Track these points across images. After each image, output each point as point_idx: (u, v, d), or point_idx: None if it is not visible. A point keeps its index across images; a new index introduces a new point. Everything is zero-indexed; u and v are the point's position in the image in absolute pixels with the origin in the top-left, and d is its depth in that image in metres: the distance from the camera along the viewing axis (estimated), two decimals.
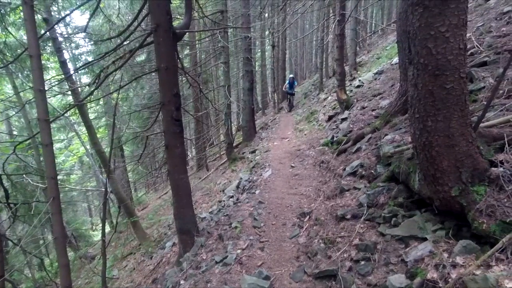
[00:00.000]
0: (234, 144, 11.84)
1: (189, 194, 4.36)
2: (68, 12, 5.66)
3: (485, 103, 3.34)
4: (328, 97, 10.37)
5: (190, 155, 18.78)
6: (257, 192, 5.11)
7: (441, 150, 1.81)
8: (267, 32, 18.76)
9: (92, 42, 6.98)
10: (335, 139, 5.66)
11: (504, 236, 1.55)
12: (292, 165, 5.92)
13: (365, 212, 2.87)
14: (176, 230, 4.44)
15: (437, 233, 2.07)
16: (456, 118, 1.74)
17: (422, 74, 1.74)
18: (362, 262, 2.38)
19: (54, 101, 9.98)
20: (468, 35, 6.16)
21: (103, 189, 10.98)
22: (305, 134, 7.89)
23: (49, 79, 4.43)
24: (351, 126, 5.53)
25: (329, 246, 2.85)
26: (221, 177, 9.54)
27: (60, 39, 6.15)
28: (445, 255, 1.81)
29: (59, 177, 14.01)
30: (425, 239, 2.10)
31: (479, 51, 4.86)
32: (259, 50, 22.51)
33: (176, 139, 4.11)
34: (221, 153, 13.92)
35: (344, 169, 4.19)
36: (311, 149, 6.41)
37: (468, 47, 5.37)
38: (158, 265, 5.40)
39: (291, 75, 14.62)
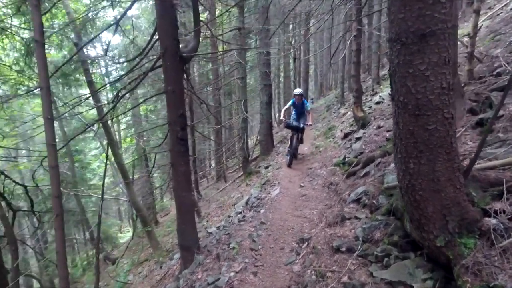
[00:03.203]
0: (253, 157, 11.91)
1: (191, 211, 4.45)
2: (93, 36, 6.16)
3: (501, 134, 3.08)
4: (347, 112, 10.10)
5: (210, 166, 19.10)
6: (261, 211, 5.07)
7: (425, 195, 1.69)
8: (293, 41, 18.79)
9: (112, 63, 7.56)
10: (346, 159, 5.48)
11: None
12: (302, 184, 5.81)
13: (359, 247, 2.74)
14: (178, 245, 4.53)
15: (425, 283, 1.91)
16: (441, 161, 1.62)
17: (403, 113, 1.66)
18: None
19: (87, 114, 10.78)
20: (497, 51, 5.75)
21: (124, 199, 11.37)
22: (320, 151, 7.73)
23: (75, 98, 4.79)
24: (363, 147, 5.33)
25: (319, 279, 2.74)
26: (236, 190, 9.59)
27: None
28: None
29: (93, 181, 14.98)
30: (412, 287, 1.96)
31: (506, 71, 4.49)
32: (283, 62, 22.63)
33: (180, 157, 4.24)
34: (240, 165, 14.07)
35: (349, 195, 4.03)
36: (323, 168, 6.26)
37: (495, 65, 5.01)
38: (164, 277, 5.52)
39: (298, 91, 7.27)
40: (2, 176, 4.63)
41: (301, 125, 7.08)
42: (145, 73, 4.46)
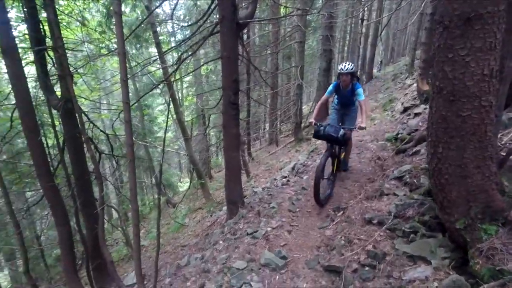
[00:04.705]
0: (306, 124, 11.88)
1: (238, 170, 4.89)
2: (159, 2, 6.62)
3: None
4: (413, 83, 9.17)
5: (263, 129, 19.54)
6: (304, 177, 5.29)
7: (451, 179, 1.70)
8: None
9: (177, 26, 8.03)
10: (399, 135, 5.22)
11: (490, 281, 1.45)
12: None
13: (389, 221, 2.82)
14: (226, 199, 5.11)
15: (444, 261, 1.98)
16: (471, 148, 1.59)
17: (437, 98, 1.62)
18: (367, 268, 2.45)
19: (155, 73, 11.84)
20: None
21: (183, 152, 12.59)
22: (374, 124, 7.39)
23: (144, 60, 5.37)
24: (420, 124, 4.99)
25: (346, 245, 2.95)
26: (286, 155, 9.89)
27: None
28: (435, 284, 1.77)
29: (159, 134, 16.85)
30: (430, 263, 2.05)
31: None
32: (350, 23, 20.68)
33: (232, 120, 4.59)
34: (292, 131, 14.17)
35: (393, 171, 3.97)
36: (373, 141, 6.06)
37: None
38: (213, 224, 6.34)
39: (346, 66, 3.93)
40: (90, 124, 5.64)
41: (343, 133, 3.85)
42: (204, 37, 4.75)
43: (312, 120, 4.19)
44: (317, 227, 3.75)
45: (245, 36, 8.93)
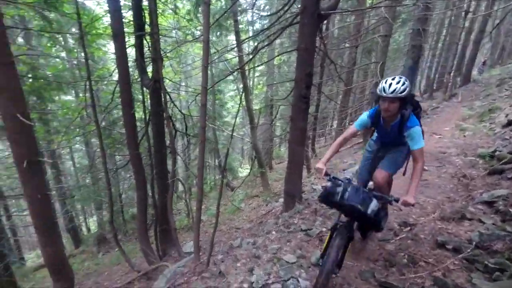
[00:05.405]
0: None
1: (301, 164, 4.83)
2: None
3: None
4: None
5: (331, 126, 18.79)
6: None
7: None
8: None
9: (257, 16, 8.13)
10: (497, 153, 4.41)
11: None
12: (425, 168, 5.15)
13: (469, 250, 2.44)
14: (284, 191, 5.12)
15: None
16: None
17: None
18: None
19: (231, 61, 12.40)
20: None
21: (247, 139, 13.04)
22: (464, 136, 6.40)
23: (223, 48, 5.66)
24: None
25: (410, 265, 2.67)
26: (351, 156, 9.36)
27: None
28: None
29: (227, 119, 17.80)
30: None
31: None
32: (450, 15, 17.95)
33: (300, 114, 4.53)
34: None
35: (482, 194, 3.39)
36: (460, 156, 5.27)
37: None
38: (268, 213, 6.46)
39: (393, 85, 2.21)
40: (171, 104, 6.26)
41: (375, 207, 2.17)
42: (282, 28, 4.72)
43: (320, 165, 2.45)
44: (377, 238, 3.48)
45: (324, 28, 8.59)
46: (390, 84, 2.22)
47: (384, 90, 2.24)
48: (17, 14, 6.29)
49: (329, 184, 2.36)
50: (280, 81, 11.28)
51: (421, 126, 2.34)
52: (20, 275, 8.54)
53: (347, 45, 11.00)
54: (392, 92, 2.20)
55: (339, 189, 2.24)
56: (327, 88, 12.94)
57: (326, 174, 2.41)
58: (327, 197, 2.29)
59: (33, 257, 13.46)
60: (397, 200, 2.18)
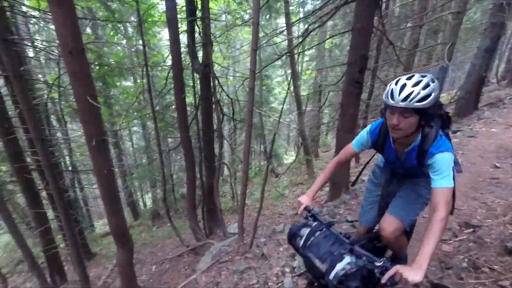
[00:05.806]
0: None
1: None
2: None
3: None
4: None
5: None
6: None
7: None
8: None
9: None
10: None
11: None
12: (497, 165, 4.52)
13: None
14: (330, 180, 4.97)
15: None
16: None
17: None
18: None
19: (280, 44, 12.14)
20: None
21: (294, 126, 12.84)
22: None
23: (272, 31, 5.55)
24: None
25: (470, 269, 2.41)
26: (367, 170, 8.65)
27: None
28: None
29: (273, 104, 17.71)
30: None
31: None
32: None
33: (352, 100, 4.28)
34: None
35: None
36: None
37: None
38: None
39: (405, 86, 1.37)
40: (219, 88, 6.41)
41: (343, 273, 1.33)
42: (337, 7, 4.44)
43: (303, 198, 1.79)
44: None
45: (383, 6, 7.85)
46: (403, 86, 1.38)
47: (392, 96, 1.39)
48: (86, 6, 6.94)
49: (300, 221, 1.78)
50: (330, 65, 10.75)
51: (454, 154, 1.44)
52: (91, 240, 9.86)
53: (409, 24, 9.93)
54: (404, 100, 1.35)
55: (304, 232, 1.62)
56: (382, 73, 11.97)
57: (307, 210, 1.73)
58: (290, 239, 1.69)
59: (100, 225, 15.39)
60: (388, 269, 1.24)
